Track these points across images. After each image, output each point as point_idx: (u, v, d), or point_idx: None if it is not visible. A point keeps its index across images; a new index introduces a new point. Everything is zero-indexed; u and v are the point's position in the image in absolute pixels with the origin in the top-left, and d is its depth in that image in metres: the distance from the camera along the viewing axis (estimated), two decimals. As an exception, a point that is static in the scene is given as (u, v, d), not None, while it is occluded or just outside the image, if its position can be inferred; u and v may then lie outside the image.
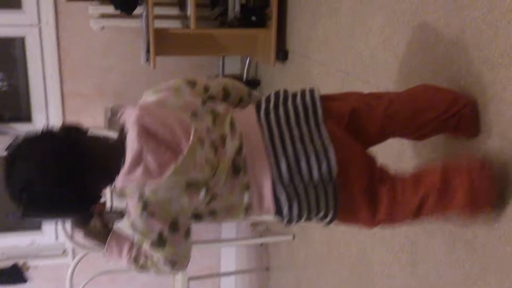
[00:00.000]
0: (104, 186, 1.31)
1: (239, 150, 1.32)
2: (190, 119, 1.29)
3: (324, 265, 2.58)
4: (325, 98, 1.40)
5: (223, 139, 1.32)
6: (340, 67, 2.52)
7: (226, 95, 1.43)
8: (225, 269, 4.72)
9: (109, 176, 1.26)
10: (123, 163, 1.23)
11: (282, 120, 1.34)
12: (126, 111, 1.31)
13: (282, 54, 3.29)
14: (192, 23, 3.26)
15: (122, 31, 4.03)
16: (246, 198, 1.33)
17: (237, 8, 3.34)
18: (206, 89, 1.39)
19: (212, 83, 1.42)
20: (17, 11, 3.88)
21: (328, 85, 2.65)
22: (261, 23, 3.39)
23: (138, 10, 3.56)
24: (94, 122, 4.17)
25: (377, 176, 1.39)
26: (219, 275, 4.61)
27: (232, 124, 1.34)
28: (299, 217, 1.35)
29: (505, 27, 1.40)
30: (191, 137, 1.24)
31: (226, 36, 3.50)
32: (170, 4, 3.65)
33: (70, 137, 1.25)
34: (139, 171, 1.21)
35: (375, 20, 2.14)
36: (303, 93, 1.40)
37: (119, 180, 1.23)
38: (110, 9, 3.56)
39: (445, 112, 1.44)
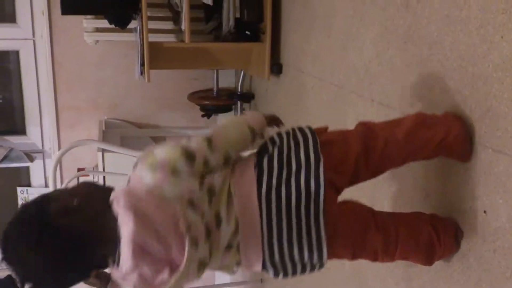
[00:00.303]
0: (93, 266, 1.29)
1: (235, 233, 1.31)
2: (186, 213, 1.21)
3: (318, 278, 2.57)
4: (326, 143, 1.38)
5: (218, 219, 1.29)
6: (334, 80, 2.53)
7: (227, 161, 1.34)
8: (219, 281, 4.71)
9: (95, 260, 1.27)
10: (115, 253, 1.22)
11: (283, 205, 1.31)
12: (118, 201, 1.20)
13: (276, 67, 3.30)
14: (186, 37, 3.26)
15: (116, 44, 4.04)
16: (235, 268, 1.37)
17: (232, 22, 3.34)
18: (205, 163, 1.28)
19: (213, 154, 1.29)
20: (11, 25, 3.93)
21: (322, 98, 2.66)
22: (256, 37, 3.42)
23: (133, 24, 3.56)
24: (88, 135, 4.19)
25: (370, 235, 1.45)
26: (213, 287, 4.60)
27: (229, 200, 1.30)
28: (286, 277, 1.39)
29: (498, 42, 1.40)
30: (185, 256, 1.20)
31: (220, 50, 3.52)
32: (165, 18, 3.64)
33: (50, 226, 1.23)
34: (135, 276, 1.20)
35: (368, 35, 2.15)
36: (307, 168, 1.33)
37: (115, 276, 1.23)
38: (104, 23, 3.58)
39: (438, 145, 1.49)
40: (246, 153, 1.42)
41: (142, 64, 3.25)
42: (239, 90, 4.07)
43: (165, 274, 1.19)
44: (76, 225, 1.23)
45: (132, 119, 4.26)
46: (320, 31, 2.67)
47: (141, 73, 3.31)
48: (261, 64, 3.37)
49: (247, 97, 4.02)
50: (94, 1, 3.52)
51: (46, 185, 4.26)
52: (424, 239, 1.52)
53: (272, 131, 1.47)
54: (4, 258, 1.21)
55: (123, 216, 1.18)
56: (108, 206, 1.21)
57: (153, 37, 3.41)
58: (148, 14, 3.21)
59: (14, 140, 4.14)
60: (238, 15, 3.33)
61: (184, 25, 3.27)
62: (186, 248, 1.18)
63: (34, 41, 3.90)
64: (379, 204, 2.04)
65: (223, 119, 1.38)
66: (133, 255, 1.18)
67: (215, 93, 4.14)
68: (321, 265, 1.37)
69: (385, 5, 2.00)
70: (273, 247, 1.31)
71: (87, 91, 4.08)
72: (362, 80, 2.22)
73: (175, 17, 3.68)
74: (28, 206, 1.28)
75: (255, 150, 1.40)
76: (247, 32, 3.40)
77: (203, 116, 4.13)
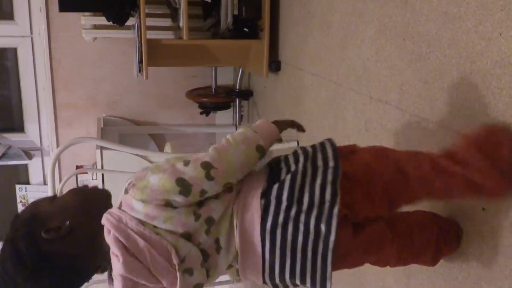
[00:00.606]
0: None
1: (234, 259, 1.26)
2: (178, 247, 1.18)
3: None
4: (348, 175, 1.27)
5: (217, 245, 1.22)
6: (332, 78, 2.52)
7: (228, 188, 1.24)
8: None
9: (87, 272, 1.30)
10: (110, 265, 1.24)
11: (288, 244, 1.21)
12: (109, 232, 1.19)
13: (274, 65, 3.29)
14: (184, 34, 3.25)
15: (114, 42, 4.00)
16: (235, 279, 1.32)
17: (230, 19, 3.34)
18: (202, 192, 1.18)
19: (211, 184, 1.18)
20: (9, 22, 3.90)
21: (321, 96, 2.66)
22: (254, 34, 3.40)
23: (131, 21, 3.55)
24: (87, 133, 4.19)
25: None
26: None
27: (230, 229, 1.23)
28: None
29: (496, 38, 1.40)
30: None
31: (218, 47, 3.48)
32: (163, 15, 3.64)
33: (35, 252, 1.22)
34: None
35: (366, 32, 2.15)
36: (320, 208, 1.21)
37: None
38: (102, 20, 3.56)
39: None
40: (255, 169, 1.31)
41: (140, 61, 3.24)
42: (237, 88, 4.07)
43: None
44: (69, 250, 1.23)
45: (130, 116, 4.25)
46: (319, 29, 2.66)
47: (140, 70, 3.29)
48: (259, 61, 3.36)
49: (246, 94, 4.02)
50: None
51: (45, 183, 4.26)
52: (433, 241, 1.50)
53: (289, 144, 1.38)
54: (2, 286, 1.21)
55: (113, 251, 1.17)
56: (100, 227, 1.20)
57: (151, 34, 3.42)
58: (146, 11, 3.21)
59: (12, 137, 4.14)
60: (236, 12, 3.33)
61: (182, 22, 3.26)
62: (178, 283, 1.17)
63: (32, 38, 3.89)
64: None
65: (231, 135, 1.23)
66: (123, 286, 1.18)
67: (213, 90, 4.13)
68: None
69: (384, 2, 2.00)
70: (274, 278, 1.26)
71: (85, 89, 4.08)
72: (360, 77, 2.22)
73: (173, 14, 3.67)
74: (19, 235, 1.22)
75: (265, 168, 1.30)
76: (245, 29, 3.39)
77: (201, 113, 4.12)
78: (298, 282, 1.25)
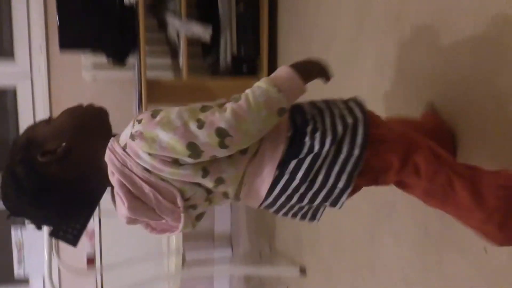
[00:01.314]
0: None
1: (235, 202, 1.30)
2: (184, 191, 1.19)
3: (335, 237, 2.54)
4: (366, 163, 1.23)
5: (225, 195, 1.26)
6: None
7: (241, 152, 1.19)
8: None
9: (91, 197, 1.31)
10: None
11: (285, 212, 1.32)
12: (113, 174, 1.18)
13: None
14: (184, 73, 3.29)
15: (114, 81, 4.02)
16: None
17: (229, 58, 3.39)
18: (212, 157, 1.14)
19: (224, 151, 1.14)
20: (9, 61, 3.89)
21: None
22: (253, 71, 3.43)
23: (131, 61, 3.56)
24: None
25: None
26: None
27: (239, 187, 1.24)
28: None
29: None
30: (180, 227, 1.23)
31: (218, 85, 3.48)
32: (163, 54, 3.64)
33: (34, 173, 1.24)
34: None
35: (367, 63, 2.14)
36: (329, 193, 1.23)
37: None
38: (102, 59, 3.55)
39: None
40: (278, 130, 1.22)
41: (140, 101, 3.26)
42: None
43: (165, 222, 1.26)
44: (68, 172, 1.23)
45: None
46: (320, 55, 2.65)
47: (139, 109, 3.32)
48: None
49: None
50: (93, 36, 3.52)
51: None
52: None
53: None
54: (11, 214, 1.25)
55: (118, 192, 1.18)
56: (99, 148, 1.20)
57: (151, 73, 3.42)
58: (146, 49, 3.26)
59: None
60: (235, 51, 3.38)
61: (182, 61, 3.32)
62: (182, 221, 1.20)
63: (32, 78, 3.88)
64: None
65: (251, 91, 1.11)
66: (128, 221, 1.23)
67: None
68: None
69: (381, 41, 1.99)
70: (269, 210, 1.32)
71: None
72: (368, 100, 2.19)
73: (173, 53, 3.69)
74: (18, 158, 1.23)
75: (287, 129, 1.22)
76: (244, 67, 3.42)
77: None
78: (289, 217, 1.33)
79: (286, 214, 1.32)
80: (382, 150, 1.24)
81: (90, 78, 3.93)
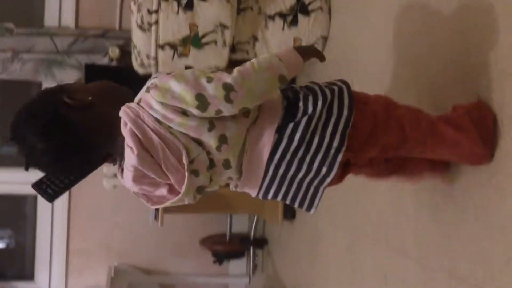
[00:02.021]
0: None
1: (238, 178, 1.36)
2: (189, 149, 1.26)
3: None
4: (354, 123, 1.36)
5: (227, 164, 1.31)
6: (348, 227, 2.50)
7: (244, 112, 1.30)
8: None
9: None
10: (121, 156, 1.34)
11: (289, 176, 1.35)
12: (126, 124, 1.27)
13: (289, 212, 3.30)
14: None
15: None
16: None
17: None
18: (218, 112, 1.23)
19: (228, 106, 1.24)
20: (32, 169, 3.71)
21: (337, 246, 2.63)
22: None
23: None
24: (95, 281, 4.02)
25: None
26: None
27: (241, 154, 1.32)
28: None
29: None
30: (183, 189, 1.28)
31: (234, 195, 3.19)
32: None
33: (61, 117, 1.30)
34: (136, 188, 1.35)
35: (380, 184, 2.09)
36: (326, 154, 1.33)
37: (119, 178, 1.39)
38: (124, 168, 3.63)
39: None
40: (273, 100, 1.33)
41: (157, 208, 3.19)
42: (252, 236, 3.99)
43: (163, 191, 1.31)
44: (84, 122, 1.30)
45: (142, 264, 4.13)
46: None
47: (155, 218, 3.32)
48: (274, 208, 3.37)
49: (260, 242, 3.98)
50: None
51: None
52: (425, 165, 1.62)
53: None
54: (12, 137, 1.29)
55: (128, 143, 1.25)
56: (117, 117, 1.27)
57: None
58: None
59: (21, 285, 3.99)
60: None
61: None
62: (186, 181, 1.25)
63: None
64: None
65: (256, 59, 1.30)
66: (134, 178, 1.29)
67: (227, 238, 4.02)
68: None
69: None
70: (267, 196, 1.39)
71: (100, 236, 3.97)
72: (376, 225, 2.18)
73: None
74: (45, 92, 1.35)
75: (282, 99, 1.34)
76: None
77: (214, 262, 4.02)
78: (287, 202, 1.39)
79: (285, 195, 1.37)
80: (367, 109, 1.38)
81: (110, 187, 3.93)
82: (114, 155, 1.36)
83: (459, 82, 1.66)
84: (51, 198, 1.43)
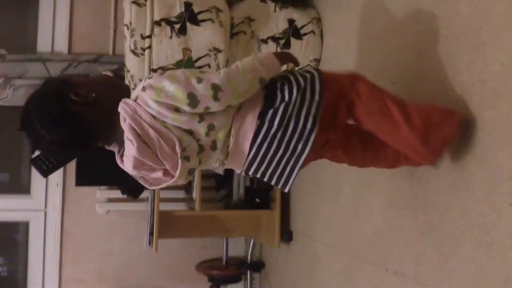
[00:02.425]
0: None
1: (225, 158, 1.56)
2: (182, 139, 1.44)
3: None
4: (327, 106, 1.54)
5: (214, 145, 1.50)
6: (345, 248, 2.53)
7: (229, 107, 1.48)
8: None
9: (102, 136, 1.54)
10: (120, 145, 1.53)
11: (269, 155, 1.54)
12: (125, 119, 1.44)
13: (286, 235, 3.33)
14: (197, 205, 3.34)
15: (126, 214, 3.81)
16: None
17: (242, 190, 3.49)
18: (206, 109, 1.43)
19: (216, 104, 1.44)
20: (25, 196, 3.77)
21: (335, 267, 2.66)
22: (265, 204, 3.49)
23: (145, 194, 3.60)
24: None
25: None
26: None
27: (227, 137, 1.52)
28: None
29: (506, 209, 1.46)
30: (177, 173, 1.46)
31: (230, 218, 3.56)
32: (176, 188, 3.58)
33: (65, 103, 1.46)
34: (135, 173, 1.52)
35: (376, 203, 2.21)
36: (301, 134, 1.52)
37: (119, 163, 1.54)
38: (117, 193, 3.58)
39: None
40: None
41: (151, 234, 3.29)
42: (249, 259, 3.94)
43: (159, 174, 1.47)
44: (88, 116, 1.46)
45: None
46: (329, 199, 2.73)
47: (149, 243, 3.32)
48: (271, 231, 3.40)
49: (257, 266, 3.93)
50: (108, 172, 3.53)
51: None
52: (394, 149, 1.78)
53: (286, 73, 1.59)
54: (21, 127, 1.46)
55: (128, 136, 1.42)
56: (117, 111, 1.44)
57: (164, 206, 3.40)
58: None
59: None
60: (248, 184, 3.48)
61: (195, 193, 3.38)
62: (179, 167, 1.44)
63: (45, 212, 3.74)
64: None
65: (240, 62, 1.54)
66: (133, 166, 1.46)
67: (224, 262, 3.97)
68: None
69: (390, 174, 2.07)
70: (248, 173, 1.59)
71: (93, 263, 3.86)
72: (374, 248, 2.22)
73: (187, 186, 3.68)
74: (52, 87, 1.48)
75: (262, 90, 1.51)
76: (257, 199, 3.48)
77: (211, 287, 3.94)
78: (265, 180, 1.58)
79: (264, 172, 1.57)
80: (333, 85, 1.57)
81: (103, 212, 3.90)
82: (114, 143, 1.53)
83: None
84: (45, 173, 1.54)
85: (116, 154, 1.53)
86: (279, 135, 1.51)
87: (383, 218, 2.12)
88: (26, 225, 3.91)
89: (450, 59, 1.77)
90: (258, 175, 1.59)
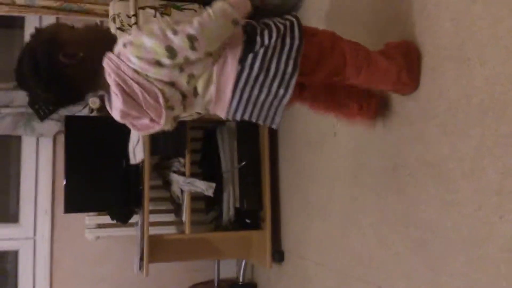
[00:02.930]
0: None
1: (208, 103, 1.63)
2: (164, 91, 1.52)
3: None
4: (304, 55, 1.62)
5: (195, 92, 1.58)
6: (337, 267, 2.52)
7: (208, 54, 1.54)
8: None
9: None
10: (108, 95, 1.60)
11: (252, 99, 1.62)
12: (110, 75, 1.52)
13: (278, 255, 3.31)
14: (187, 228, 3.30)
15: (116, 239, 3.74)
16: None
17: (232, 211, 3.45)
18: (186, 59, 1.49)
19: (194, 52, 1.50)
20: (13, 224, 3.72)
21: (328, 286, 2.66)
22: (256, 224, 3.48)
23: (134, 219, 3.57)
24: None
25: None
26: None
27: (208, 83, 1.58)
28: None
29: (497, 223, 1.47)
30: (161, 122, 1.56)
31: (221, 239, 3.54)
32: (166, 211, 3.58)
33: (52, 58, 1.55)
34: (124, 121, 1.60)
35: (367, 220, 2.21)
36: (282, 78, 1.60)
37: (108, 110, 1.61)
38: (106, 219, 3.55)
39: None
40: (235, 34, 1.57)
41: (142, 258, 3.22)
42: (241, 280, 3.91)
43: (146, 121, 1.56)
44: (77, 74, 1.56)
45: None
46: (320, 218, 2.73)
47: (140, 268, 3.25)
48: (262, 251, 3.37)
49: (249, 287, 3.89)
50: (98, 199, 3.52)
51: None
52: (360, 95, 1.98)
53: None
54: (18, 84, 1.58)
55: (113, 90, 1.51)
56: (102, 64, 1.52)
57: (154, 230, 3.37)
58: (150, 207, 3.21)
59: None
60: (238, 205, 3.43)
61: (185, 216, 3.33)
62: (163, 117, 1.53)
63: (34, 240, 3.70)
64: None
65: (211, 8, 1.58)
66: (121, 116, 1.54)
67: (216, 284, 3.92)
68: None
69: (380, 190, 2.11)
70: (235, 116, 1.65)
71: None
72: (366, 266, 2.21)
73: (176, 209, 3.66)
74: (42, 48, 1.55)
75: (242, 34, 1.59)
76: (247, 220, 3.47)
77: None
78: (253, 120, 1.64)
79: (251, 114, 1.63)
80: (315, 40, 1.66)
81: (92, 238, 3.87)
82: (102, 91, 1.60)
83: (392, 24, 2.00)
84: (43, 117, 1.85)
85: (105, 101, 1.60)
86: (260, 79, 1.57)
87: (375, 236, 2.12)
88: (15, 254, 3.87)
89: (435, 75, 1.80)
90: (245, 118, 1.64)
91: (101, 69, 1.52)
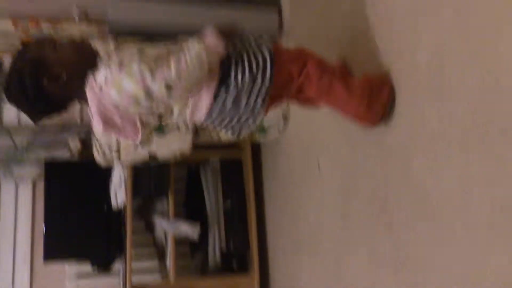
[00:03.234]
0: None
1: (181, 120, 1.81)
2: (141, 117, 1.71)
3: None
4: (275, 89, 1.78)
5: (171, 112, 1.74)
6: None
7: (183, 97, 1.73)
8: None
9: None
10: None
11: (225, 122, 1.82)
12: (92, 104, 1.68)
13: None
14: (171, 274, 3.24)
15: None
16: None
17: (218, 254, 3.41)
18: (164, 102, 1.67)
19: (170, 99, 1.65)
20: None
21: None
22: (243, 268, 3.45)
23: (116, 266, 3.49)
24: None
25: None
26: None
27: (182, 110, 1.77)
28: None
29: (493, 259, 1.40)
30: (138, 139, 1.75)
31: (207, 286, 3.43)
32: (149, 257, 3.54)
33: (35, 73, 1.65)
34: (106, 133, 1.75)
35: (357, 259, 2.15)
36: (252, 113, 1.80)
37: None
38: (87, 267, 3.44)
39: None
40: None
41: None
42: None
43: (125, 134, 1.72)
44: (62, 93, 1.67)
45: None
46: (309, 256, 2.68)
47: None
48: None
49: None
50: (78, 245, 3.42)
51: None
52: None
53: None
54: (7, 100, 1.67)
55: (94, 118, 1.66)
56: (85, 80, 1.65)
57: (137, 277, 3.30)
58: (132, 253, 3.21)
59: None
60: (224, 246, 3.41)
61: (169, 262, 3.29)
62: (139, 136, 1.71)
63: None
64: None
65: (189, 55, 1.62)
66: (102, 134, 1.82)
67: None
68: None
69: (370, 226, 2.05)
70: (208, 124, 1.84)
71: None
72: None
73: (160, 254, 3.61)
74: (27, 70, 1.63)
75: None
76: (234, 262, 3.46)
77: None
78: (223, 130, 1.85)
79: (219, 126, 1.83)
80: (284, 70, 1.78)
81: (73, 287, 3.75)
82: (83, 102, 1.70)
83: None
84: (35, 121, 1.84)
85: (89, 110, 1.72)
86: (232, 112, 1.74)
87: (366, 275, 2.07)
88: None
89: (415, 108, 1.78)
90: (216, 127, 1.84)
91: (83, 84, 1.64)
